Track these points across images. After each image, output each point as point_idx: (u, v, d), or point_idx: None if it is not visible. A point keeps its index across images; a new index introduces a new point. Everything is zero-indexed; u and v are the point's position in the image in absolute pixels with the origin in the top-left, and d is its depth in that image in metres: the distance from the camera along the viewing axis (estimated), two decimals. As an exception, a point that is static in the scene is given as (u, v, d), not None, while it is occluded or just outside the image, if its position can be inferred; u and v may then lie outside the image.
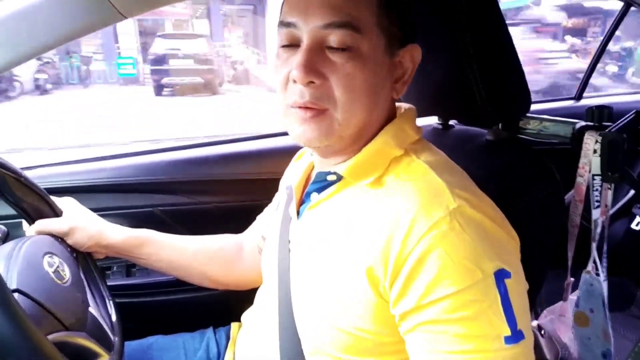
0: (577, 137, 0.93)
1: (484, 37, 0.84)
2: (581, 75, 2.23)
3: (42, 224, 0.88)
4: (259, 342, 0.85)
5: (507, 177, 0.86)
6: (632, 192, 1.80)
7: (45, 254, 0.77)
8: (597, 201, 0.91)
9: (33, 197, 0.89)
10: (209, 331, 1.07)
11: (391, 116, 0.73)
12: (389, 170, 0.68)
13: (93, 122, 7.90)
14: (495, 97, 0.86)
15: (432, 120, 1.11)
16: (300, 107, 0.65)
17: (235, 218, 1.14)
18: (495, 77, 0.85)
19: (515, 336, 0.57)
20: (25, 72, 10.78)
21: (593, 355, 0.98)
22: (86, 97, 11.55)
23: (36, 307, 0.67)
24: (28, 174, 0.87)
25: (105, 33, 14.47)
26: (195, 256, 1.03)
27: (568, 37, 13.05)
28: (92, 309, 0.81)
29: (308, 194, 0.77)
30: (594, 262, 0.95)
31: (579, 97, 2.21)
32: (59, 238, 0.88)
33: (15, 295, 0.64)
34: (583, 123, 0.94)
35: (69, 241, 0.90)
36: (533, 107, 0.94)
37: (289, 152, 0.97)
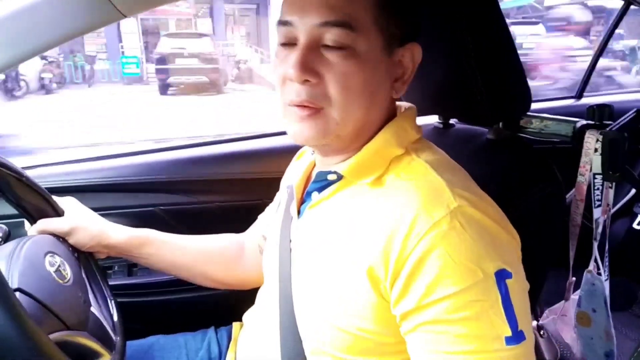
0: (578, 136, 0.92)
1: (485, 36, 0.84)
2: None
3: (44, 224, 0.88)
4: (260, 342, 0.85)
5: (507, 177, 0.86)
6: (633, 191, 1.80)
7: (47, 253, 0.77)
8: (598, 200, 0.91)
9: (34, 197, 0.88)
10: (211, 331, 1.07)
11: (391, 115, 0.73)
12: (390, 169, 0.68)
13: (100, 121, 7.91)
14: (496, 96, 0.85)
15: (433, 120, 1.11)
16: (297, 106, 0.65)
17: (237, 217, 1.14)
18: (496, 76, 0.85)
19: (516, 337, 0.57)
20: (31, 71, 10.80)
21: (596, 355, 0.98)
22: (91, 97, 11.59)
23: (38, 307, 0.67)
24: (29, 173, 0.87)
25: (109, 33, 14.56)
26: (196, 256, 1.03)
27: (571, 36, 13.06)
28: (94, 309, 0.81)
29: (309, 193, 0.77)
30: (596, 261, 0.94)
31: (579, 95, 2.21)
32: (61, 238, 0.88)
33: (17, 294, 0.64)
34: (584, 122, 0.93)
35: (71, 241, 0.90)
36: (534, 105, 0.93)
37: (290, 151, 0.97)
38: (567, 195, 0.95)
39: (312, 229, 0.75)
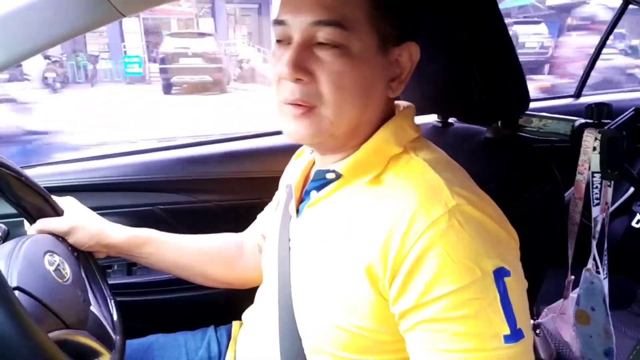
0: (577, 134, 0.93)
1: (483, 35, 0.84)
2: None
3: (43, 223, 0.88)
4: (260, 341, 0.85)
5: (506, 175, 0.86)
6: (631, 189, 1.80)
7: (46, 252, 0.77)
8: (597, 199, 0.91)
9: (34, 197, 0.88)
10: (210, 330, 1.08)
11: (389, 114, 0.73)
12: (388, 168, 0.68)
13: (107, 120, 7.94)
14: (495, 95, 0.86)
15: (432, 119, 1.11)
16: (291, 104, 0.66)
17: (236, 216, 1.14)
18: (495, 75, 0.85)
19: (515, 335, 0.57)
20: (35, 71, 10.79)
21: (595, 354, 0.98)
22: (95, 96, 11.59)
23: (37, 305, 0.67)
24: (28, 172, 0.87)
25: (111, 32, 14.58)
26: (196, 255, 1.03)
27: (574, 35, 13.07)
28: (94, 308, 0.81)
29: (307, 192, 0.77)
30: (594, 260, 0.95)
31: (578, 94, 2.21)
32: (60, 237, 0.88)
33: (16, 293, 0.64)
34: (582, 120, 0.94)
35: (70, 240, 0.90)
36: (532, 105, 0.93)
37: (289, 151, 0.97)
38: (566, 194, 0.96)
39: (311, 227, 0.75)
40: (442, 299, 0.57)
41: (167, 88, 11.94)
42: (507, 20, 0.89)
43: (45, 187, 0.91)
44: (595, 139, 0.88)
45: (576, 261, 1.00)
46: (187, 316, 1.20)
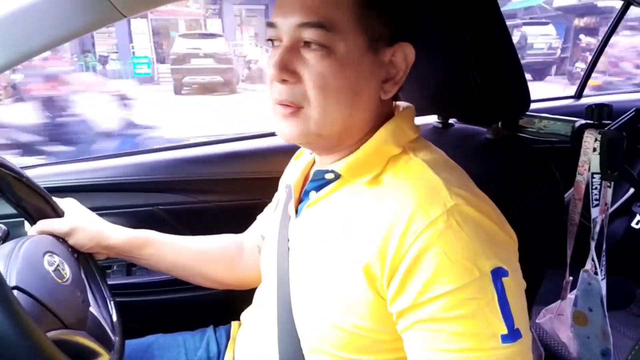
0: (577, 135, 0.92)
1: (484, 36, 0.84)
2: None
3: (44, 224, 0.88)
4: (259, 341, 0.85)
5: (506, 176, 0.86)
6: (631, 190, 1.80)
7: (46, 253, 0.77)
8: (596, 199, 0.91)
9: (34, 198, 0.88)
10: (209, 330, 1.08)
11: (388, 115, 0.73)
12: (387, 168, 0.68)
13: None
14: (495, 96, 0.86)
15: (432, 119, 1.11)
16: (280, 104, 0.67)
17: (236, 217, 1.14)
18: (495, 76, 0.85)
19: (513, 335, 0.57)
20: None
21: (592, 355, 0.98)
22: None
23: (35, 305, 0.67)
24: (28, 172, 0.87)
25: (120, 33, 14.59)
26: (196, 257, 1.03)
27: (582, 37, 13.15)
28: (93, 309, 0.81)
29: (307, 192, 0.77)
30: (593, 261, 0.95)
31: (579, 95, 2.21)
32: (60, 238, 0.88)
33: (15, 292, 0.64)
34: (583, 121, 0.93)
35: (70, 241, 0.91)
36: (533, 105, 0.93)
37: (289, 151, 0.97)
38: (566, 195, 0.96)
39: (310, 227, 0.75)
40: (440, 299, 0.57)
41: (178, 88, 11.99)
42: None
43: (45, 188, 0.91)
44: (596, 139, 0.88)
45: (575, 262, 1.00)
46: (186, 316, 1.20)
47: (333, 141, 0.70)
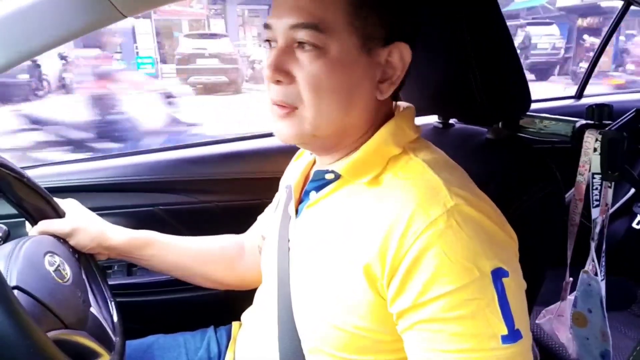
0: (578, 135, 0.92)
1: (484, 36, 0.84)
2: None
3: (45, 225, 0.89)
4: (259, 342, 0.85)
5: (507, 176, 0.86)
6: (632, 190, 1.80)
7: (46, 253, 0.77)
8: (597, 200, 0.91)
9: (35, 198, 0.88)
10: (210, 330, 1.08)
11: (388, 115, 0.73)
12: (387, 168, 0.68)
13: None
14: (495, 96, 0.86)
15: (432, 119, 1.11)
16: (276, 105, 0.68)
17: (236, 217, 1.14)
18: (495, 76, 0.85)
19: (513, 335, 0.57)
20: (52, 72, 10.84)
21: (591, 356, 0.98)
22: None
23: (36, 305, 0.67)
24: (29, 173, 0.87)
25: (124, 33, 14.60)
26: (196, 257, 1.03)
27: (586, 37, 13.17)
28: (93, 309, 0.81)
29: (307, 193, 0.77)
30: (593, 261, 0.94)
31: (579, 95, 2.21)
32: (61, 239, 0.89)
33: (15, 292, 0.64)
34: (583, 121, 0.93)
35: (71, 242, 0.91)
36: (533, 105, 0.93)
37: (290, 151, 0.97)
38: (566, 195, 0.96)
39: (310, 228, 0.75)
40: (440, 299, 0.57)
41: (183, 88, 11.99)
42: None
43: (46, 188, 0.91)
44: (596, 140, 0.88)
45: (575, 262, 1.00)
46: (186, 317, 1.20)
47: (330, 142, 0.70)
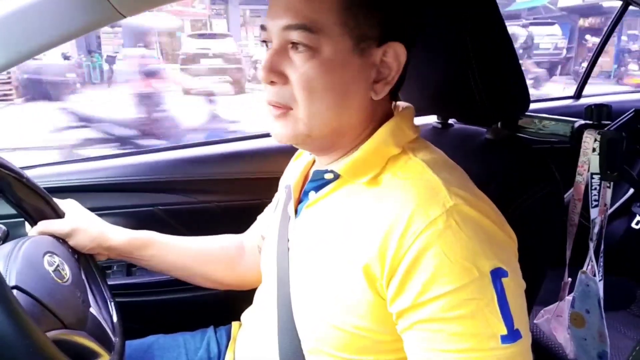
0: (576, 135, 0.93)
1: (484, 37, 0.84)
2: None
3: (44, 225, 0.88)
4: (259, 342, 0.85)
5: (506, 176, 0.86)
6: (631, 190, 1.80)
7: (46, 253, 0.77)
8: (596, 200, 0.91)
9: (35, 198, 0.88)
10: (210, 330, 1.08)
11: (387, 115, 0.73)
12: (386, 168, 0.68)
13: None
14: (495, 96, 0.86)
15: (432, 120, 1.11)
16: (272, 105, 0.68)
17: (236, 217, 1.14)
18: (495, 77, 0.85)
19: (512, 335, 0.57)
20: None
21: (589, 357, 0.98)
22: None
23: (35, 305, 0.67)
24: (28, 173, 0.87)
25: (126, 33, 14.60)
26: (196, 257, 1.03)
27: (588, 37, 13.21)
28: (93, 309, 0.81)
29: (306, 193, 0.77)
30: (591, 262, 0.94)
31: (578, 95, 2.21)
32: (61, 239, 0.88)
33: (14, 292, 0.64)
34: (582, 122, 0.94)
35: (71, 242, 0.90)
36: (532, 106, 0.94)
37: (289, 151, 0.97)
38: (565, 195, 0.96)
39: (309, 228, 0.75)
40: (440, 299, 0.57)
41: (187, 89, 11.99)
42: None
43: (45, 188, 0.90)
44: (595, 140, 0.88)
45: (574, 262, 1.00)
46: (186, 317, 1.20)
47: (326, 142, 0.71)
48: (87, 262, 0.93)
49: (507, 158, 0.90)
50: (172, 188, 1.40)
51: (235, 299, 1.04)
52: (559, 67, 13.52)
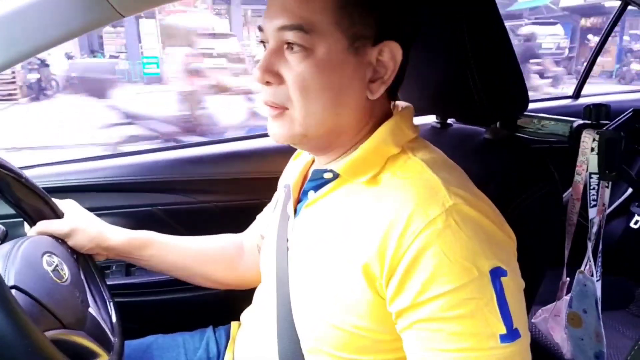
0: (575, 135, 0.93)
1: (483, 36, 0.84)
2: None
3: (43, 226, 0.88)
4: (258, 341, 0.85)
5: (505, 176, 0.86)
6: (629, 190, 1.80)
7: (45, 253, 0.77)
8: (594, 200, 0.91)
9: (34, 198, 0.88)
10: (209, 330, 1.08)
11: (386, 115, 0.73)
12: (386, 168, 0.68)
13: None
14: (494, 96, 0.86)
15: (430, 119, 1.11)
16: (268, 105, 0.69)
17: (235, 217, 1.14)
18: (494, 76, 0.85)
19: (511, 335, 0.57)
20: (59, 71, 10.90)
21: (586, 356, 0.98)
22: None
23: (34, 304, 0.66)
24: (27, 173, 0.87)
25: (129, 33, 14.61)
26: (196, 257, 1.03)
27: (590, 37, 13.25)
28: (92, 309, 0.81)
29: (305, 192, 0.77)
30: (589, 261, 0.95)
31: (576, 95, 2.22)
32: (60, 239, 0.88)
33: (13, 292, 0.64)
34: (581, 121, 0.94)
35: (70, 243, 0.90)
36: (531, 105, 0.94)
37: (288, 151, 0.97)
38: (564, 195, 0.96)
39: (309, 227, 0.75)
40: (439, 299, 0.57)
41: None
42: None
43: (44, 188, 0.90)
44: (594, 139, 0.88)
45: (573, 262, 1.00)
46: (185, 317, 1.20)
47: (323, 142, 0.71)
48: (86, 262, 0.93)
49: (506, 158, 0.90)
50: (171, 188, 1.40)
51: (234, 298, 1.04)
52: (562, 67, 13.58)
